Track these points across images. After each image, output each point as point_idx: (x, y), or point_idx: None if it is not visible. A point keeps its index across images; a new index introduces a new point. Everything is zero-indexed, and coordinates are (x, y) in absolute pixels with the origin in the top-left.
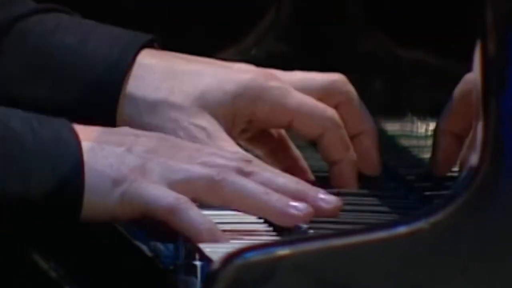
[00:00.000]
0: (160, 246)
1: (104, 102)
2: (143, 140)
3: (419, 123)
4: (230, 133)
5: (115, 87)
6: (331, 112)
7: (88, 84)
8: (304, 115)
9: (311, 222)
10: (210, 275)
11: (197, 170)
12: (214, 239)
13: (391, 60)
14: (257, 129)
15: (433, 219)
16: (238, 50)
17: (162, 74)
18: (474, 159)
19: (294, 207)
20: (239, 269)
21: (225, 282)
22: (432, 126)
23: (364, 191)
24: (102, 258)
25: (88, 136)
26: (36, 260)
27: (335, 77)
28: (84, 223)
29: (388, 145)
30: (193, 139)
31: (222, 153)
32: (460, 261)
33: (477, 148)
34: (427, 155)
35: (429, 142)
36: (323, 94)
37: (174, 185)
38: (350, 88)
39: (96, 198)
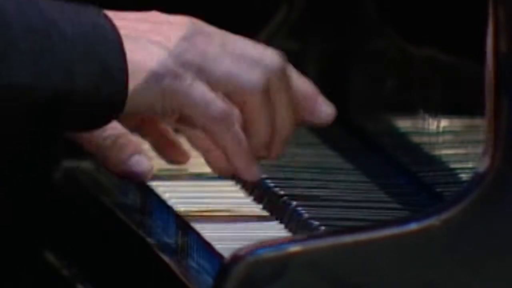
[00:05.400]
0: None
1: None
2: (176, 27)
3: (430, 120)
4: None
5: None
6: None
7: None
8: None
9: (322, 219)
10: (222, 272)
11: (235, 67)
12: (245, 165)
13: (403, 58)
14: None
15: (444, 216)
16: None
17: None
18: (485, 157)
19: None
20: (251, 265)
21: (237, 279)
22: (443, 123)
23: (375, 188)
24: (114, 256)
25: (122, 24)
26: (48, 258)
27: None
28: (97, 219)
29: (400, 142)
30: None
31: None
32: (471, 259)
33: (489, 145)
34: (438, 152)
35: (441, 139)
36: None
37: (212, 78)
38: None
39: (137, 90)
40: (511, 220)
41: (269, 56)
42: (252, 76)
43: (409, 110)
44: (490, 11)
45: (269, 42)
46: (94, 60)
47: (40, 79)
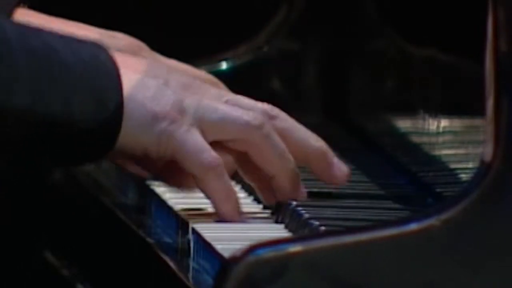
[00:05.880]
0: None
1: None
2: (176, 74)
3: (430, 120)
4: None
5: None
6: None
7: None
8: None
9: (322, 219)
10: (222, 272)
11: (231, 111)
12: (230, 214)
13: (403, 58)
14: None
15: (444, 216)
16: (250, 48)
17: None
18: (486, 156)
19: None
20: (251, 265)
21: (237, 279)
22: (443, 123)
23: (375, 188)
24: (114, 256)
25: (125, 63)
26: (48, 258)
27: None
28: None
29: (400, 142)
30: None
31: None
32: (471, 259)
33: (489, 144)
34: (438, 152)
35: (441, 139)
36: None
37: (208, 125)
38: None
39: (134, 130)
40: (511, 220)
41: (263, 104)
42: (247, 118)
43: (409, 110)
44: (490, 11)
45: (269, 42)
46: (91, 97)
47: (38, 103)
